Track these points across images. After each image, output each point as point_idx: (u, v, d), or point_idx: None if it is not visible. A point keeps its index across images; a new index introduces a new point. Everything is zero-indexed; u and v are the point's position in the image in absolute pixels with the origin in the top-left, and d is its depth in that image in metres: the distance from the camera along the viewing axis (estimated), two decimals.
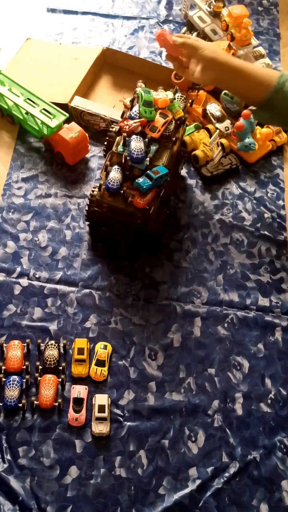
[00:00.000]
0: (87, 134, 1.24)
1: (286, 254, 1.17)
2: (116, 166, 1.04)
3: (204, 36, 1.44)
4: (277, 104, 1.02)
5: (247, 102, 1.21)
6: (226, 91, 1.30)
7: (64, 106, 1.27)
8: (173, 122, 1.07)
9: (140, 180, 1.01)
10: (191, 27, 1.51)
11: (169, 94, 1.10)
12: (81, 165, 1.26)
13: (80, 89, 1.34)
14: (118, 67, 1.44)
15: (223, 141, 1.27)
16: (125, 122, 1.05)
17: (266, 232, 1.20)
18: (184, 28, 1.52)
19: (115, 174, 1.02)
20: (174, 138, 1.06)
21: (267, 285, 1.12)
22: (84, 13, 1.58)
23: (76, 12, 1.58)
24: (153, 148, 1.04)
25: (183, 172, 1.27)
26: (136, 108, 1.06)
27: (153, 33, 1.54)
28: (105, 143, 1.14)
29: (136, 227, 1.05)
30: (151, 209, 1.02)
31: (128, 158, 1.02)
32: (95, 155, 1.28)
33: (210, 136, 1.28)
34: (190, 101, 1.10)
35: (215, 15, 1.45)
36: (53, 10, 1.58)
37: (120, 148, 1.04)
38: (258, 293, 1.11)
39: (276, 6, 1.65)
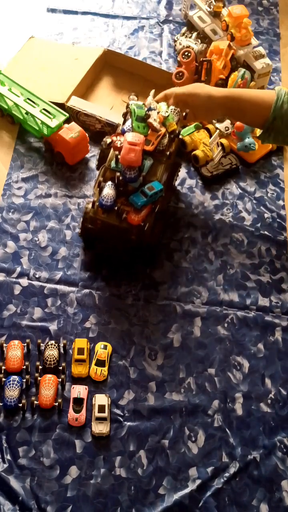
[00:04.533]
0: (87, 134, 1.24)
1: (286, 254, 1.17)
2: (109, 182, 1.02)
3: (204, 36, 1.45)
4: (279, 121, 1.02)
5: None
6: None
7: (61, 106, 1.27)
8: (167, 136, 1.04)
9: (135, 196, 1.00)
10: (191, 27, 1.51)
11: (163, 105, 1.07)
12: (81, 165, 1.26)
13: (78, 89, 1.34)
14: (118, 69, 1.44)
15: (223, 141, 1.27)
16: (117, 138, 1.02)
17: (266, 232, 1.19)
18: (184, 28, 1.52)
19: (108, 190, 1.00)
20: (168, 153, 1.04)
21: (267, 285, 1.12)
22: (84, 13, 1.58)
23: (76, 12, 1.58)
24: (147, 163, 1.01)
25: (183, 172, 1.27)
26: (129, 123, 1.03)
27: (153, 33, 1.54)
28: (97, 157, 1.12)
29: (131, 243, 1.03)
30: (146, 226, 1.00)
31: (120, 177, 0.99)
32: (95, 155, 1.28)
33: (210, 136, 1.28)
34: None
35: (215, 15, 1.45)
36: (53, 10, 1.58)
37: (113, 164, 1.02)
38: (258, 293, 1.11)
39: (276, 6, 1.65)
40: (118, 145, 1.00)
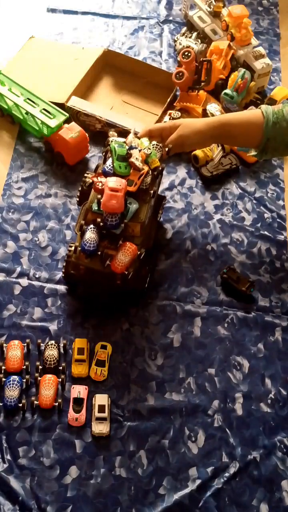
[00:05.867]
0: (87, 134, 1.24)
1: (286, 254, 1.17)
2: (91, 226, 0.97)
3: (204, 36, 1.45)
4: (273, 141, 1.03)
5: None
6: (226, 91, 1.30)
7: (61, 106, 1.27)
8: (150, 174, 1.00)
9: None
10: (191, 27, 1.51)
11: (144, 141, 1.02)
12: (81, 165, 1.26)
13: (78, 89, 1.34)
14: (118, 69, 1.44)
15: None
16: (99, 179, 0.97)
17: (266, 232, 1.20)
18: (184, 28, 1.52)
19: (91, 234, 0.95)
20: (152, 191, 0.99)
21: (267, 285, 1.12)
22: (84, 13, 1.58)
23: (76, 12, 1.58)
24: (132, 208, 0.96)
25: (183, 172, 1.27)
26: (109, 162, 0.98)
27: (153, 33, 1.54)
28: (79, 190, 1.08)
29: (116, 288, 1.01)
30: (130, 275, 0.96)
31: (101, 223, 0.95)
32: (95, 155, 1.28)
33: None
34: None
35: (215, 15, 1.45)
36: (53, 10, 1.58)
37: (94, 207, 0.97)
38: (258, 293, 1.11)
39: (276, 6, 1.65)
40: (100, 187, 0.95)
